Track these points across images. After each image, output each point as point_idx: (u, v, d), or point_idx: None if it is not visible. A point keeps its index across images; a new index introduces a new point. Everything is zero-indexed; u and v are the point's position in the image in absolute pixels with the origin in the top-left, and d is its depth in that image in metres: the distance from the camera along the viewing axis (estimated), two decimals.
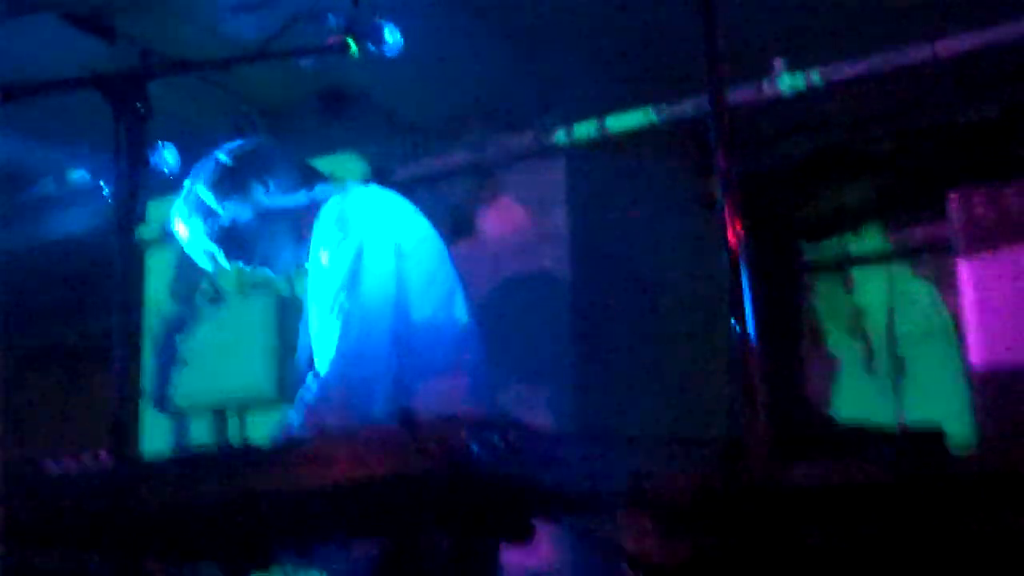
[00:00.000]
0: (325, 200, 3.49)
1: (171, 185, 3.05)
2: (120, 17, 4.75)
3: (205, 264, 3.58)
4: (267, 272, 3.63)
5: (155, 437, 5.81)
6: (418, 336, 3.29)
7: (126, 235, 2.40)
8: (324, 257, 3.37)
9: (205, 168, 3.53)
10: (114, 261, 2.39)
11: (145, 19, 4.76)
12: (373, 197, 3.49)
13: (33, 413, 7.45)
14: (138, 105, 2.43)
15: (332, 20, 2.88)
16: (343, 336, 3.19)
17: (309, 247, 3.48)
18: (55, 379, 7.61)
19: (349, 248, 3.28)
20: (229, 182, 3.48)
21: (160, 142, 2.88)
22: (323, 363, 3.23)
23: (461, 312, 3.47)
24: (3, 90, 2.51)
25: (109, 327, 2.37)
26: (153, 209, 5.42)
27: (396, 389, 3.19)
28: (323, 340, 3.28)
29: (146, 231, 6.01)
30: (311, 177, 3.60)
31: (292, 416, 3.17)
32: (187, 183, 3.52)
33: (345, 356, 3.17)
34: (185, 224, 3.52)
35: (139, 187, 2.44)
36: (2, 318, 5.51)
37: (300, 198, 3.53)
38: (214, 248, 3.52)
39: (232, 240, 3.50)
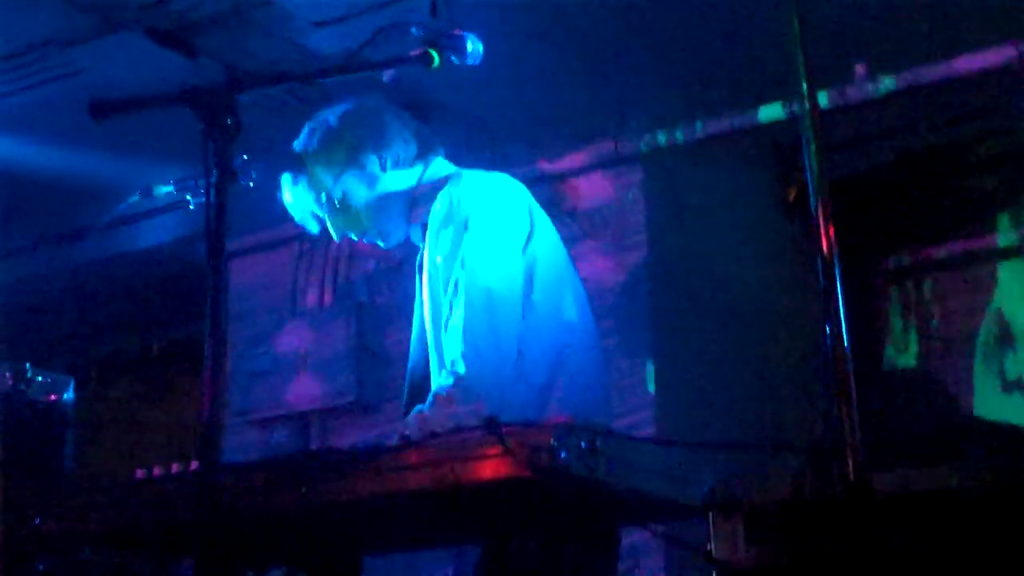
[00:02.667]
0: (440, 179, 3.32)
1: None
2: (202, 34, 4.80)
3: (312, 228, 3.42)
4: (377, 243, 3.43)
5: (240, 445, 5.88)
6: (550, 335, 3.13)
7: (215, 248, 2.42)
8: (437, 246, 3.20)
9: (315, 133, 3.37)
10: (204, 273, 2.42)
11: (227, 35, 4.80)
12: (491, 182, 3.27)
13: (116, 420, 7.54)
14: (227, 120, 2.45)
15: (414, 32, 2.88)
16: (469, 328, 3.01)
17: (420, 229, 3.33)
18: (138, 387, 7.71)
19: (467, 233, 3.11)
20: (340, 152, 3.32)
21: (244, 156, 2.91)
22: (451, 353, 3.05)
23: (585, 300, 3.33)
24: (96, 107, 2.54)
25: (192, 336, 2.39)
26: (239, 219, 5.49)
27: (530, 390, 3.06)
28: (441, 331, 3.14)
29: (235, 241, 6.08)
30: (428, 149, 3.40)
31: (425, 408, 2.99)
32: (296, 146, 3.37)
33: (476, 348, 2.99)
34: (291, 190, 3.37)
35: (226, 198, 2.47)
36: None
37: (415, 172, 3.36)
38: (323, 216, 3.37)
39: (342, 212, 3.34)
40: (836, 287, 2.00)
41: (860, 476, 1.89)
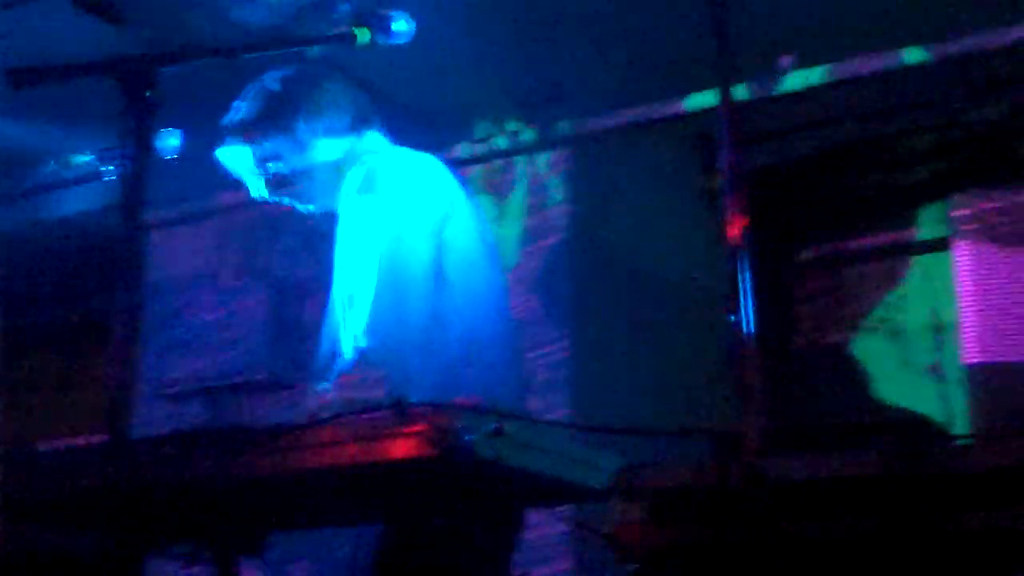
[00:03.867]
0: (369, 152, 3.35)
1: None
2: (129, 2, 4.75)
3: (251, 187, 3.43)
4: (301, 209, 3.46)
5: (151, 419, 5.83)
6: (463, 316, 3.15)
7: (132, 219, 2.41)
8: (350, 216, 3.23)
9: (252, 92, 3.40)
10: (118, 244, 2.40)
11: (154, 5, 4.76)
12: (414, 160, 3.33)
13: (31, 392, 7.44)
14: (148, 93, 2.43)
15: (342, 9, 2.87)
16: (377, 305, 3.03)
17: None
18: (54, 359, 7.60)
19: (379, 209, 3.14)
20: (273, 112, 3.35)
21: (166, 127, 2.88)
22: (355, 327, 3.07)
23: (501, 286, 3.37)
24: (15, 75, 2.50)
25: (109, 308, 2.37)
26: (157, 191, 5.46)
27: (441, 367, 3.08)
28: (349, 305, 3.14)
29: (152, 213, 6.02)
30: (364, 122, 3.43)
31: (326, 388, 3.04)
32: (235, 104, 3.41)
33: (381, 326, 3.01)
34: (228, 148, 3.41)
35: (144, 170, 2.45)
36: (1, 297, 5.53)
37: (345, 144, 3.38)
38: (255, 175, 3.40)
39: (270, 173, 3.38)
40: (742, 277, 2.02)
41: (754, 464, 1.92)
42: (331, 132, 3.38)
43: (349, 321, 3.11)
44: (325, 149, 3.38)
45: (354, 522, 2.94)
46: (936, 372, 5.40)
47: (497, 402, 2.72)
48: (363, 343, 3.01)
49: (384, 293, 3.05)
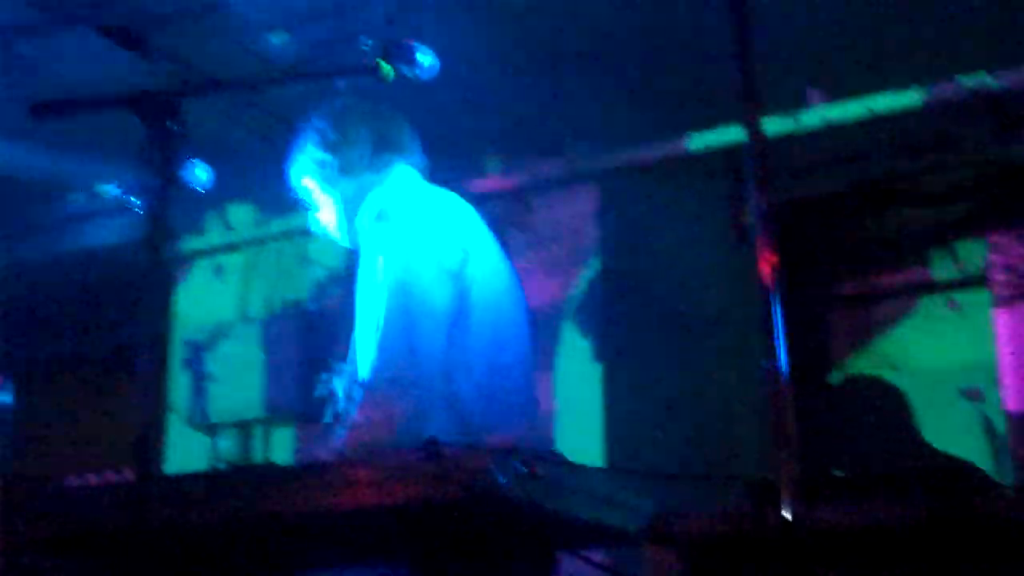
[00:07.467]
0: (390, 187, 3.36)
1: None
2: (156, 33, 4.75)
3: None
4: (335, 239, 3.49)
5: (184, 451, 5.81)
6: (487, 357, 3.12)
7: (155, 250, 2.40)
8: (367, 254, 3.21)
9: (305, 128, 3.48)
10: (144, 275, 2.39)
11: (180, 35, 4.76)
12: (434, 195, 3.32)
13: (58, 424, 7.42)
14: (170, 123, 2.42)
15: (366, 42, 2.86)
16: (385, 340, 3.00)
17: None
18: (82, 391, 7.58)
19: (392, 240, 3.12)
20: (304, 151, 3.43)
21: (192, 159, 2.87)
22: (364, 364, 3.06)
23: (525, 324, 3.33)
24: (39, 107, 2.50)
25: (137, 339, 2.36)
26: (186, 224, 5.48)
27: (464, 409, 3.05)
28: (364, 343, 3.13)
29: (181, 246, 6.03)
30: (389, 157, 3.42)
31: (339, 433, 3.00)
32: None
33: (389, 362, 2.97)
34: (289, 183, 3.51)
35: (169, 203, 2.44)
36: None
37: (369, 179, 3.39)
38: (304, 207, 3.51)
39: (309, 206, 3.47)
40: (774, 316, 1.97)
41: (794, 515, 1.87)
42: (351, 168, 3.40)
43: (364, 357, 3.08)
44: (347, 183, 3.40)
45: (383, 564, 2.90)
46: (975, 415, 5.33)
47: (529, 444, 2.69)
48: (370, 383, 2.98)
49: (396, 330, 3.02)
